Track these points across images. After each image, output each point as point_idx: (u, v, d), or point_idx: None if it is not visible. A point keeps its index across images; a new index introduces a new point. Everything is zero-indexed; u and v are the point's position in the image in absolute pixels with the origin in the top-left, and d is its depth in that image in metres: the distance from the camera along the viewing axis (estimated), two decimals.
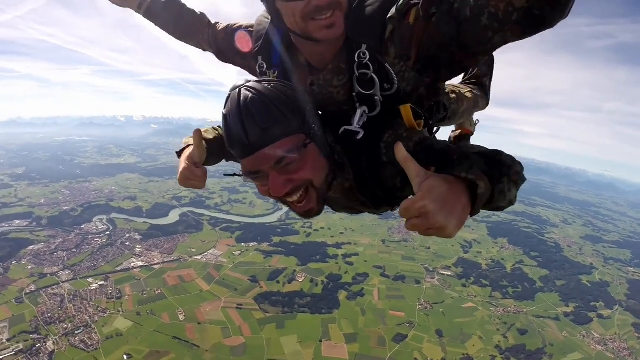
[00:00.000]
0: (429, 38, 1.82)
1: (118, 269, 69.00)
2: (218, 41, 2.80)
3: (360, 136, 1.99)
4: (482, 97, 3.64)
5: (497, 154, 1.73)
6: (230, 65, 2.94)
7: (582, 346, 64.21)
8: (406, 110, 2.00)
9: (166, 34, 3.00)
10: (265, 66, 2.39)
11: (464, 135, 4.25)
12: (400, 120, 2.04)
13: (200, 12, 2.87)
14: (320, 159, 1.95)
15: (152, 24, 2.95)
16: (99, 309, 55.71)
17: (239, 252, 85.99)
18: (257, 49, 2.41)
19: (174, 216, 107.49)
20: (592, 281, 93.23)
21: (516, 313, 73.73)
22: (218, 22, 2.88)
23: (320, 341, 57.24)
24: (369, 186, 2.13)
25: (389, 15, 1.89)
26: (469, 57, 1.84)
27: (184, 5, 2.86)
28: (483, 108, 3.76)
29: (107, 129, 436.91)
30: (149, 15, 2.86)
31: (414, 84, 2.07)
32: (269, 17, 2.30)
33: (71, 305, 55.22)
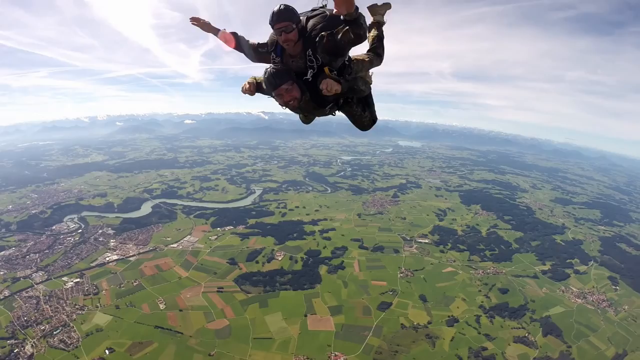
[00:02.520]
0: (328, 48, 7.09)
1: (93, 264, 67.75)
2: (255, 52, 8.26)
3: (310, 79, 7.39)
4: (376, 59, 8.96)
5: (352, 78, 8.12)
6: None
7: (562, 300, 66.90)
8: (325, 69, 7.18)
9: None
10: (274, 56, 7.72)
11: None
12: (324, 73, 7.17)
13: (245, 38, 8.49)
14: (298, 90, 7.37)
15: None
16: (77, 306, 54.82)
17: (215, 236, 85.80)
18: (272, 50, 7.75)
19: (146, 208, 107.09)
20: (566, 240, 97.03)
21: (495, 274, 76.07)
22: (254, 42, 8.20)
23: (305, 316, 57.99)
24: (315, 98, 7.67)
25: (316, 40, 7.09)
26: (340, 52, 7.33)
27: (242, 36, 8.36)
28: (378, 64, 9.07)
29: (71, 131, 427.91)
30: (223, 40, 8.38)
31: (329, 62, 7.27)
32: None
33: (47, 306, 53.94)
